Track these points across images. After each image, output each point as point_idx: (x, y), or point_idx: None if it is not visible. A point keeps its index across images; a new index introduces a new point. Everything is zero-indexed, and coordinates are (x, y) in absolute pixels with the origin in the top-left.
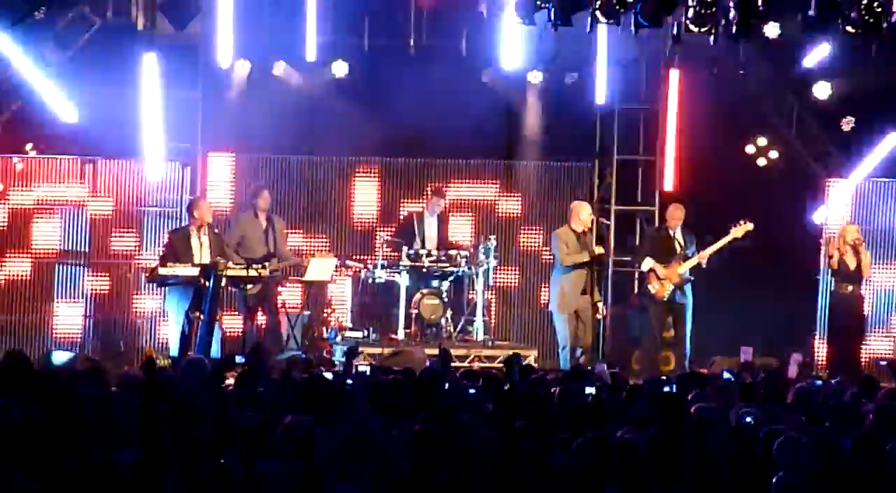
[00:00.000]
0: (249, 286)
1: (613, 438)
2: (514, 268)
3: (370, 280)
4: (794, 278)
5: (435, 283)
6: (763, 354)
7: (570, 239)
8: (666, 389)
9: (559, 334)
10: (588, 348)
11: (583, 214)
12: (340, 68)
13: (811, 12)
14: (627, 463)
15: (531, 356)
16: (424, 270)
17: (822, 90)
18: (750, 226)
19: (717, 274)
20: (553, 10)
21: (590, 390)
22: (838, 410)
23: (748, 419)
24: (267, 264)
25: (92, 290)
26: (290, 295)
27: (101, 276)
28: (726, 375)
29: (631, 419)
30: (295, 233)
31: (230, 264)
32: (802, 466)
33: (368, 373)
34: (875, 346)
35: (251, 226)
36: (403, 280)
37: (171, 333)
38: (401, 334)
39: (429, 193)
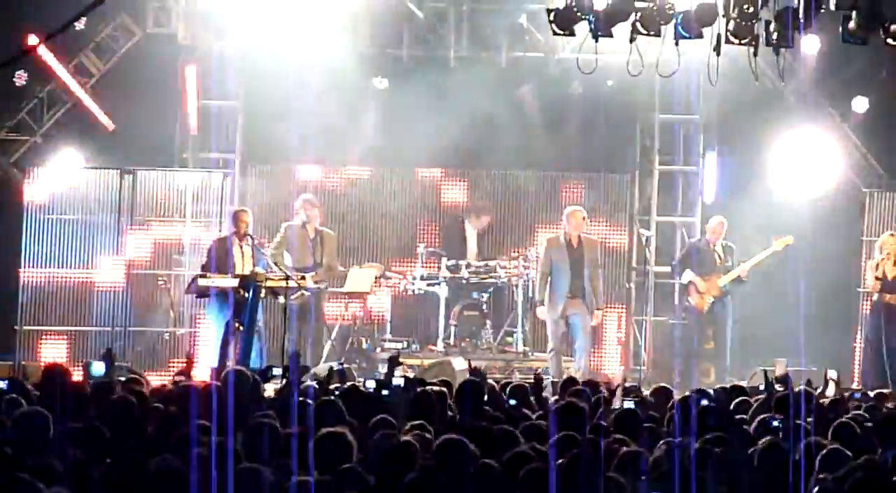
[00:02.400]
0: (291, 297)
1: (654, 451)
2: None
3: (410, 291)
4: (835, 289)
5: (475, 294)
6: (804, 365)
7: (550, 248)
8: (705, 401)
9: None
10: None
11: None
12: (381, 80)
13: (851, 24)
14: (666, 476)
15: (572, 368)
16: (464, 281)
17: (860, 104)
18: (790, 239)
19: (757, 286)
20: (593, 21)
21: (628, 404)
22: (877, 423)
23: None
24: (309, 275)
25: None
26: (330, 306)
27: (139, 288)
28: (763, 387)
29: (671, 432)
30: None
31: (271, 273)
32: (845, 478)
33: (405, 384)
34: None
35: (298, 235)
36: (443, 291)
37: (210, 343)
38: (440, 346)
39: (471, 207)
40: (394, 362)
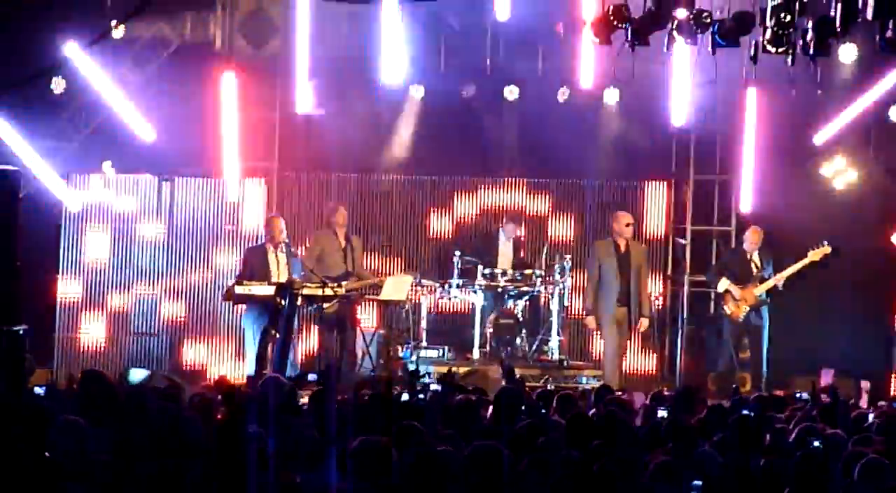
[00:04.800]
0: (326, 305)
1: (689, 460)
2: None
3: (446, 299)
4: (872, 300)
5: (510, 302)
6: (839, 377)
7: (601, 252)
8: (743, 411)
9: None
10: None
11: (618, 225)
12: (416, 89)
13: (889, 33)
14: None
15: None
16: (500, 289)
17: None
18: (828, 249)
19: (794, 295)
20: (630, 29)
21: (662, 412)
22: None
23: (816, 443)
24: (344, 282)
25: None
26: (365, 314)
27: (175, 297)
28: (803, 396)
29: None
30: (370, 252)
31: (306, 280)
32: (885, 488)
33: (440, 391)
34: None
35: (329, 244)
36: (479, 300)
37: (247, 351)
38: (476, 354)
39: (504, 215)
40: (414, 374)
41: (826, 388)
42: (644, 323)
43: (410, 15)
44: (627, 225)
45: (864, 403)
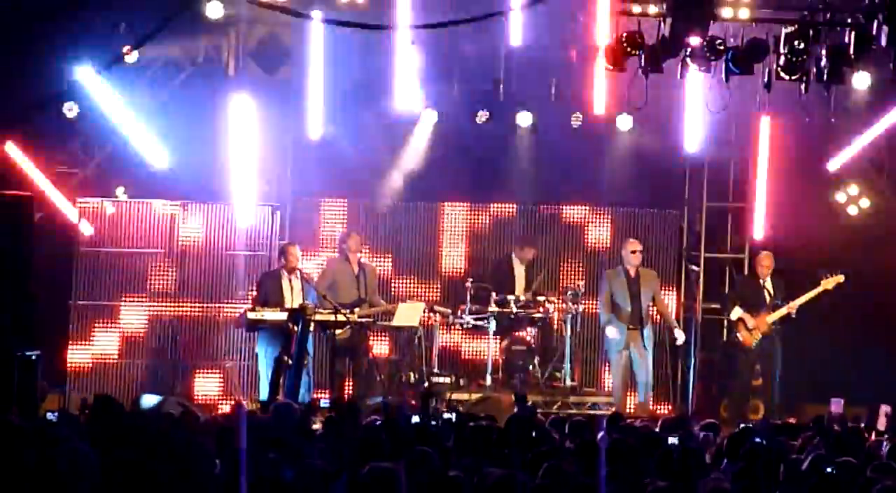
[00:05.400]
0: (339, 331)
1: (701, 488)
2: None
3: (458, 326)
4: (885, 328)
5: (523, 329)
6: (853, 404)
7: (612, 279)
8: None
9: None
10: (647, 387)
11: (628, 253)
12: (429, 114)
13: None
14: None
15: (635, 403)
16: (512, 316)
17: None
18: (841, 278)
19: (806, 323)
20: (644, 56)
21: (672, 440)
22: None
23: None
24: (356, 309)
25: (182, 334)
26: (378, 340)
27: (188, 322)
28: (814, 425)
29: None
30: (384, 278)
31: (319, 307)
32: None
33: (454, 419)
34: None
35: (342, 270)
36: (491, 326)
37: (260, 377)
38: (488, 380)
39: (519, 240)
40: (428, 396)
41: (835, 417)
42: (680, 334)
43: (423, 41)
44: (633, 252)
45: (882, 425)
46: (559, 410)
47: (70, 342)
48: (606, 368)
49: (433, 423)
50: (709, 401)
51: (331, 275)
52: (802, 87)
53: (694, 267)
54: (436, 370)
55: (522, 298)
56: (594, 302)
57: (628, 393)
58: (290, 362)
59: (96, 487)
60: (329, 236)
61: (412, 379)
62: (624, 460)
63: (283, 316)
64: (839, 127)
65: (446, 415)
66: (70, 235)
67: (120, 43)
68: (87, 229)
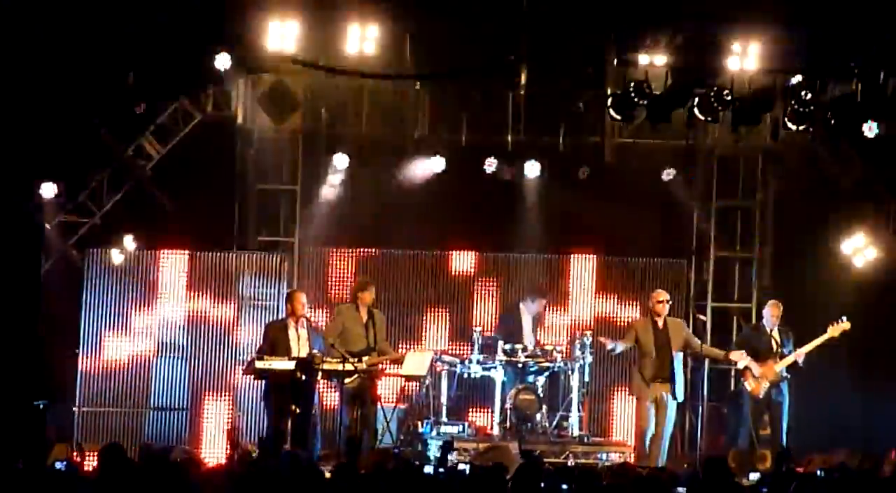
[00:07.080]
0: (347, 380)
1: None
2: (610, 363)
3: (466, 375)
4: (891, 375)
5: (531, 378)
6: (861, 453)
7: (637, 328)
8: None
9: None
10: (658, 438)
11: (650, 301)
12: (437, 162)
13: None
14: None
15: (627, 452)
16: (520, 365)
17: None
18: (847, 325)
19: (814, 371)
20: (651, 106)
21: (680, 490)
22: None
23: None
24: (364, 357)
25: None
26: (386, 389)
27: (196, 371)
28: (820, 474)
29: None
30: (391, 326)
31: (327, 356)
32: None
33: (461, 469)
34: None
35: (351, 318)
36: (499, 375)
37: (267, 425)
38: (496, 429)
39: (526, 290)
40: (447, 446)
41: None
42: (740, 355)
43: (432, 90)
44: (660, 302)
45: (887, 471)
46: (567, 459)
47: (78, 390)
48: (614, 417)
49: (440, 470)
50: (716, 451)
51: (340, 322)
52: (809, 137)
53: (702, 317)
54: (444, 420)
55: (530, 347)
56: (602, 352)
57: (645, 443)
58: (298, 410)
59: None
60: (336, 285)
61: (420, 428)
62: None
63: (291, 365)
64: (846, 176)
65: (462, 466)
66: (78, 283)
67: (129, 96)
68: (95, 278)
